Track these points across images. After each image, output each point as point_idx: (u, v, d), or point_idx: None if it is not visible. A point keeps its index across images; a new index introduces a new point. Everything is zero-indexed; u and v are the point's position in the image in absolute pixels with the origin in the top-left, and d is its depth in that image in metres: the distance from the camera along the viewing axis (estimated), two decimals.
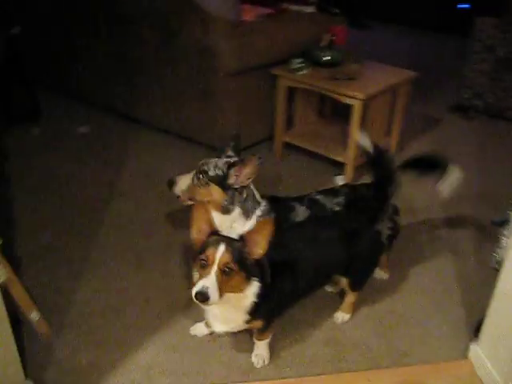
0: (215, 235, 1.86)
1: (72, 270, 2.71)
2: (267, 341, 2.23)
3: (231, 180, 2.26)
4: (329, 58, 3.55)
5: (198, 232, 1.88)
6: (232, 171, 2.23)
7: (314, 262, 2.16)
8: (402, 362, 2.26)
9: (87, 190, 3.42)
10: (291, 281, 2.11)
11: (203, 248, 1.82)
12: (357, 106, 3.21)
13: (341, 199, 2.45)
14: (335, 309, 2.48)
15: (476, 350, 2.23)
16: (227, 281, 1.79)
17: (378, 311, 2.52)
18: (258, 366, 2.22)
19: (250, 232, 1.85)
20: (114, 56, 4.03)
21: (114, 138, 4.11)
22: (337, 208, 2.44)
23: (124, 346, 2.29)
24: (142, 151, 3.93)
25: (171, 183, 2.40)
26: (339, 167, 3.52)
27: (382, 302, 2.57)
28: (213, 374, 2.18)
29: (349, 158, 3.38)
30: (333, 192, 2.50)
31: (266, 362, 2.23)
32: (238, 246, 1.82)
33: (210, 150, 3.62)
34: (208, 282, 1.74)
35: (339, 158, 3.48)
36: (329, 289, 2.59)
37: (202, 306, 1.82)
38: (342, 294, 2.47)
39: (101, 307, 2.50)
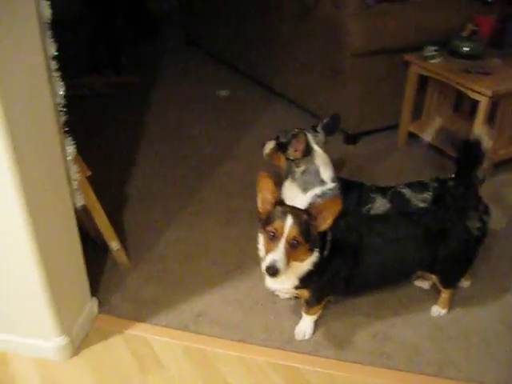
0: (280, 205, 1.93)
1: (168, 216, 2.95)
2: (314, 317, 2.26)
3: (288, 151, 2.31)
4: (468, 49, 3.35)
5: (262, 201, 1.96)
6: (291, 142, 2.27)
7: (385, 256, 2.15)
8: (446, 374, 2.13)
9: (206, 149, 3.65)
10: (350, 266, 2.12)
11: (270, 219, 1.89)
12: (483, 102, 3.02)
13: (428, 195, 2.36)
14: (397, 304, 2.40)
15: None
16: (294, 252, 1.87)
17: (442, 318, 2.39)
18: (298, 339, 2.25)
19: (319, 207, 1.92)
20: (256, 26, 4.21)
21: (248, 104, 4.31)
22: (422, 204, 2.35)
23: (186, 291, 2.47)
24: (268, 119, 4.06)
25: (262, 146, 2.54)
26: None
27: (451, 309, 2.43)
28: (253, 334, 2.27)
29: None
30: (421, 186, 2.41)
31: (307, 337, 2.26)
32: (304, 218, 1.88)
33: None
34: (277, 255, 1.83)
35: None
36: (418, 283, 2.51)
37: (271, 277, 1.89)
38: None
39: (179, 252, 2.70)
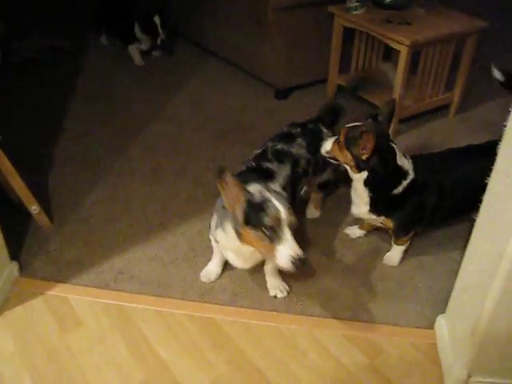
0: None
1: (93, 177, 2.95)
2: (402, 247, 2.43)
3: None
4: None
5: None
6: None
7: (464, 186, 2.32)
8: (361, 317, 2.22)
9: (137, 109, 3.63)
10: (434, 199, 2.32)
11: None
12: (403, 51, 3.05)
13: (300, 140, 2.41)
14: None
15: (441, 323, 2.15)
16: (343, 150, 2.20)
17: (357, 265, 2.47)
18: (386, 263, 2.46)
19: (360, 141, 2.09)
20: None
21: (181, 63, 4.27)
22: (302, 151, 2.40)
23: (108, 250, 2.49)
24: (201, 78, 4.04)
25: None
26: None
27: (365, 256, 2.52)
28: (172, 288, 2.31)
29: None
30: (288, 136, 2.43)
31: (394, 264, 2.47)
32: (357, 130, 2.11)
33: (261, 83, 3.65)
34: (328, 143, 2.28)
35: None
36: (348, 231, 2.65)
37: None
38: None
39: (103, 212, 2.71)
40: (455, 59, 3.43)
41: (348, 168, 2.26)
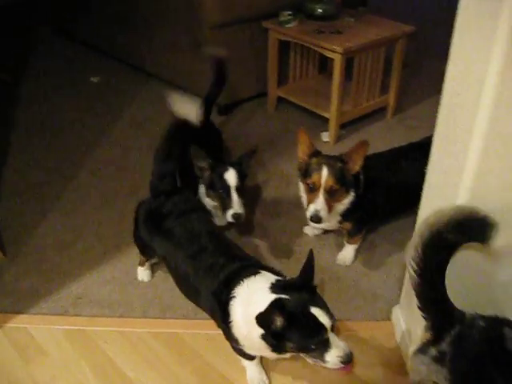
0: (316, 157, 2.21)
1: (43, 206, 2.93)
2: (355, 246, 2.53)
3: None
4: (321, 10, 3.50)
5: (302, 152, 2.24)
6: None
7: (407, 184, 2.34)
8: None
9: (81, 135, 3.63)
10: (384, 196, 2.43)
11: (308, 173, 2.16)
12: (337, 59, 3.17)
13: None
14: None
15: (397, 313, 2.23)
16: (332, 199, 2.17)
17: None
18: (339, 263, 2.52)
19: (349, 152, 2.18)
20: (119, 7, 4.21)
21: (122, 87, 4.29)
22: None
23: (64, 277, 2.48)
24: (142, 101, 4.06)
25: None
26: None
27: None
28: (132, 308, 2.33)
29: (332, 113, 3.34)
30: None
31: (347, 263, 2.52)
32: (338, 166, 2.15)
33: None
34: (318, 205, 2.13)
35: (325, 114, 3.45)
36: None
37: (317, 225, 2.24)
38: None
39: (56, 241, 2.69)
40: (387, 64, 3.57)
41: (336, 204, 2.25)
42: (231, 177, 2.32)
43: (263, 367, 2.05)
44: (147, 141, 3.51)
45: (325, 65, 3.94)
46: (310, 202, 2.18)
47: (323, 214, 2.13)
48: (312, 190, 2.17)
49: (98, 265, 2.54)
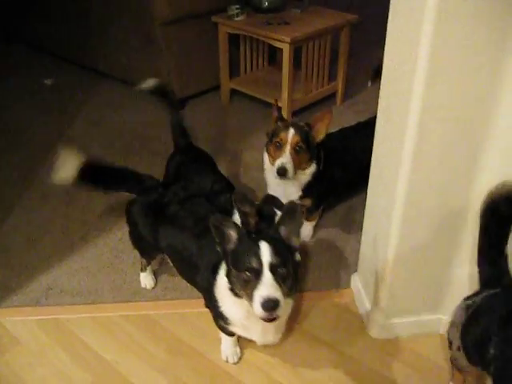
0: (282, 121, 2.36)
1: (6, 206, 2.96)
2: (313, 223, 2.66)
3: None
4: (267, 3, 3.63)
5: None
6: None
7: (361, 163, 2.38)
8: None
9: (38, 136, 3.66)
10: (340, 173, 2.59)
11: (276, 133, 2.30)
12: (285, 49, 3.30)
13: None
14: None
15: (355, 280, 2.37)
16: (298, 158, 2.29)
17: None
18: (307, 240, 2.63)
19: (314, 120, 2.33)
20: (69, 8, 4.27)
21: (76, 88, 4.32)
22: None
23: (33, 270, 2.53)
24: (98, 100, 4.11)
25: None
26: None
27: None
28: (103, 294, 2.40)
29: (283, 101, 3.48)
30: None
31: (307, 240, 2.63)
32: (305, 129, 2.30)
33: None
34: (284, 159, 2.26)
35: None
36: None
37: (282, 180, 2.32)
38: None
39: (23, 237, 2.74)
40: (335, 53, 3.73)
41: (299, 171, 2.37)
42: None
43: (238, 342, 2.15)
44: (106, 138, 3.58)
45: (274, 56, 4.07)
46: (276, 158, 2.30)
47: (289, 167, 2.26)
48: (279, 148, 2.30)
49: (66, 257, 2.60)
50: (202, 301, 2.04)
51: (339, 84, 3.86)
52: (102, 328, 2.26)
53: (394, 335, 2.17)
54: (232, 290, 1.69)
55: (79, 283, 2.46)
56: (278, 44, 3.34)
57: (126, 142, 3.53)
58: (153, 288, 2.44)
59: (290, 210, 1.69)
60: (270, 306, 1.54)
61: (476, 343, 1.56)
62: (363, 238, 2.25)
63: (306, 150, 2.32)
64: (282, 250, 1.63)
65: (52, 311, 2.33)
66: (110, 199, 2.95)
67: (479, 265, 1.67)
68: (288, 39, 3.24)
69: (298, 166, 2.33)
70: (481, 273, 1.67)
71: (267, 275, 1.56)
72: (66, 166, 2.01)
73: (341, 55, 3.77)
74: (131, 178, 2.20)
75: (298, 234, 1.69)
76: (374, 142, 2.00)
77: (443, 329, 2.15)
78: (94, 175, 2.09)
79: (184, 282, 2.32)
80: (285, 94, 3.45)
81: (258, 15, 3.64)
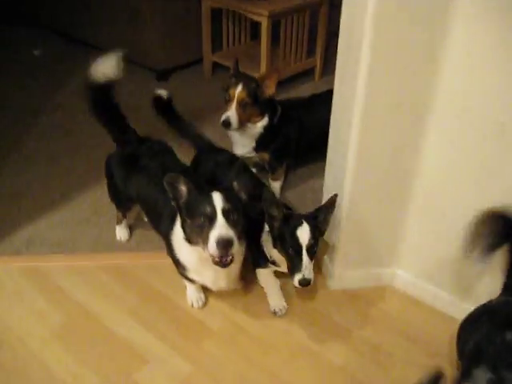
0: (235, 76, 2.59)
1: None
2: (279, 183, 2.85)
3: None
4: None
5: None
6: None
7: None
8: None
9: (27, 101, 3.81)
10: (297, 132, 2.77)
11: (227, 89, 2.53)
12: (263, 22, 3.44)
13: None
14: None
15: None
16: (244, 112, 2.53)
17: None
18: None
19: (263, 77, 2.59)
20: None
21: (65, 59, 4.46)
22: None
23: (15, 223, 2.69)
24: (84, 71, 4.22)
25: None
26: None
27: None
28: (81, 246, 2.56)
29: (262, 74, 3.61)
30: None
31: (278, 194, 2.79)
32: (252, 86, 2.52)
33: (143, 69, 3.93)
34: (230, 113, 2.51)
35: (256, 75, 3.70)
36: None
37: (228, 131, 2.59)
38: None
39: (4, 194, 2.88)
40: (315, 30, 3.87)
41: (248, 124, 2.62)
42: (304, 234, 1.94)
43: (202, 289, 2.30)
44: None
45: (256, 32, 4.20)
46: (224, 111, 2.54)
47: (233, 120, 2.52)
48: (227, 102, 2.54)
49: (47, 212, 2.75)
50: None
51: (317, 60, 4.00)
52: (77, 275, 2.41)
53: (350, 286, 2.32)
54: (187, 239, 1.87)
55: (58, 236, 2.61)
56: (256, 17, 3.47)
57: None
58: (127, 240, 2.59)
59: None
60: (225, 244, 1.72)
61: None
62: (324, 194, 2.40)
63: (253, 104, 2.55)
64: (233, 198, 1.83)
65: (31, 259, 2.48)
66: (89, 162, 3.09)
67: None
68: (266, 12, 3.38)
69: (247, 119, 2.59)
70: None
71: (220, 218, 1.75)
72: (107, 64, 2.41)
73: (319, 32, 3.90)
74: (121, 124, 2.42)
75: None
76: (332, 104, 2.15)
77: (397, 282, 2.32)
78: (104, 102, 2.39)
79: (157, 236, 2.47)
80: (263, 67, 3.58)
81: None
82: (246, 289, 2.33)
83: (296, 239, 1.92)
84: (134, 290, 2.34)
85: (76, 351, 2.08)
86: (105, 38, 4.22)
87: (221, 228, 1.74)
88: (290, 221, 1.97)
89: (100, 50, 4.30)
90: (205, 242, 1.78)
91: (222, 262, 1.80)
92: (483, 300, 1.78)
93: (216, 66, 4.08)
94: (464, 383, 1.46)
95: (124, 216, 2.56)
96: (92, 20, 4.26)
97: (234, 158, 2.51)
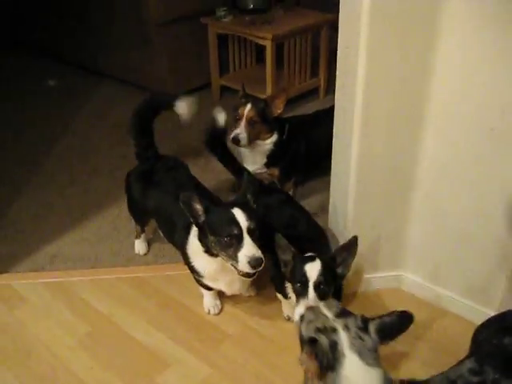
0: (244, 97, 2.75)
1: (15, 188, 3.26)
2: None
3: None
4: (253, 4, 3.94)
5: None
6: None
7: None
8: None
9: (45, 129, 3.98)
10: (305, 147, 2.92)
11: (236, 108, 2.69)
12: (268, 45, 3.61)
13: None
14: None
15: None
16: (253, 129, 2.66)
17: None
18: None
19: (271, 96, 2.75)
20: (68, 11, 4.60)
21: (79, 87, 4.65)
22: None
23: (39, 241, 2.83)
24: (99, 96, 4.43)
25: None
26: None
27: None
28: (102, 261, 2.70)
29: (267, 94, 3.77)
30: None
31: None
32: (261, 105, 2.67)
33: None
34: (239, 130, 2.65)
35: (263, 97, 3.86)
36: None
37: (239, 148, 2.72)
38: None
39: (29, 216, 3.04)
40: (317, 50, 4.04)
41: (258, 141, 2.75)
42: (314, 269, 1.87)
43: (218, 296, 2.43)
44: (106, 129, 3.88)
45: (261, 56, 4.37)
46: (234, 129, 2.67)
47: (242, 136, 2.66)
48: (237, 121, 2.68)
49: (69, 230, 2.90)
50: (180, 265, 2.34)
51: (321, 79, 4.16)
52: (99, 288, 2.55)
53: (359, 290, 2.44)
54: (207, 251, 2.00)
55: (80, 252, 2.76)
56: (261, 41, 3.65)
57: (123, 134, 3.83)
58: (145, 254, 2.72)
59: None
60: (257, 263, 1.85)
61: None
62: (330, 206, 2.52)
63: (262, 123, 2.69)
64: (253, 213, 1.94)
65: (55, 275, 2.63)
66: (109, 182, 3.25)
67: None
68: (270, 36, 3.56)
69: (257, 136, 2.72)
70: None
71: (247, 238, 1.87)
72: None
73: (322, 53, 4.06)
74: (149, 141, 2.59)
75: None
76: (335, 115, 2.29)
77: (404, 285, 2.44)
78: (147, 123, 2.58)
79: (173, 249, 2.58)
80: (268, 88, 3.75)
81: (243, 15, 3.94)
82: (259, 295, 2.45)
83: (303, 273, 1.87)
84: (153, 300, 2.47)
85: (101, 358, 2.21)
86: (117, 66, 4.41)
87: (250, 248, 1.86)
88: (301, 258, 1.94)
89: (112, 77, 4.57)
90: (232, 258, 1.90)
91: (250, 275, 1.93)
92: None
93: (224, 89, 4.24)
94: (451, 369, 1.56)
95: (142, 230, 2.69)
96: (103, 48, 4.46)
97: (288, 198, 2.58)
